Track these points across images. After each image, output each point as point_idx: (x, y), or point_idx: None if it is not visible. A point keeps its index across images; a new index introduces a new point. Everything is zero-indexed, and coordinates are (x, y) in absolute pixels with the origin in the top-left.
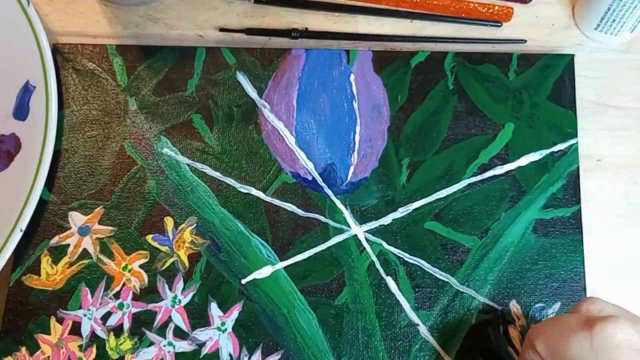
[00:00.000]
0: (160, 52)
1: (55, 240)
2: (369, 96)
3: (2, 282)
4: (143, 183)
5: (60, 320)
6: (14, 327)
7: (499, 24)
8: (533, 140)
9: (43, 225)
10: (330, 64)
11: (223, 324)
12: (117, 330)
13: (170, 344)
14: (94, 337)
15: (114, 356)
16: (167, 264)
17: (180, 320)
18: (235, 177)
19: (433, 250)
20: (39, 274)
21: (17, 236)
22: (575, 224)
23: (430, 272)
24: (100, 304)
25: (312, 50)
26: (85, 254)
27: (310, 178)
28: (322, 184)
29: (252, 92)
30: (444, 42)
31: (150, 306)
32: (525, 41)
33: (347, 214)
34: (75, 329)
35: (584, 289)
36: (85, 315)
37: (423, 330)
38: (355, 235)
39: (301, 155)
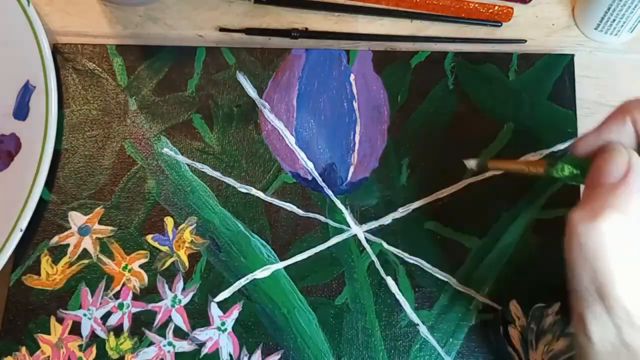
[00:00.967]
0: (160, 52)
1: (55, 240)
2: (369, 96)
3: (2, 282)
4: (143, 183)
5: (60, 320)
6: (14, 327)
7: (499, 24)
8: (533, 140)
9: (43, 225)
10: (330, 64)
11: (223, 323)
12: (117, 330)
13: (170, 343)
14: (94, 337)
15: (114, 356)
16: (167, 263)
17: (180, 320)
18: (235, 177)
19: (433, 250)
20: (39, 273)
21: (17, 236)
22: None
23: (430, 272)
24: (100, 303)
25: (312, 50)
26: (85, 253)
27: (310, 178)
28: (322, 184)
29: (252, 92)
30: (444, 42)
31: (150, 306)
32: (525, 41)
33: (347, 213)
34: (75, 329)
35: None
36: (85, 315)
37: (423, 330)
38: (355, 235)
39: (301, 155)
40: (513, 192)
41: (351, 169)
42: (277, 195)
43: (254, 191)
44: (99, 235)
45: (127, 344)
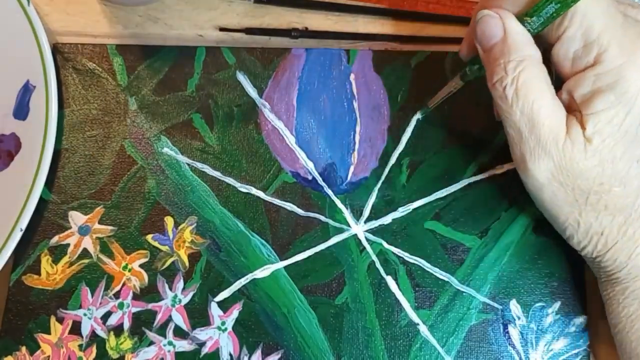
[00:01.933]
0: (160, 52)
1: (55, 239)
2: (369, 96)
3: (2, 282)
4: (143, 183)
5: (61, 320)
6: (14, 327)
7: None
8: None
9: (43, 225)
10: (330, 64)
11: (223, 323)
12: (117, 330)
13: (170, 343)
14: (94, 336)
15: (114, 356)
16: (167, 263)
17: (180, 319)
18: (236, 176)
19: (433, 250)
20: (39, 273)
21: (17, 236)
22: None
23: (431, 271)
24: (100, 303)
25: (312, 50)
26: (85, 253)
27: (310, 178)
28: (322, 184)
29: (252, 92)
30: (444, 42)
31: (151, 306)
32: None
33: (347, 213)
34: (76, 329)
35: (584, 288)
36: (85, 314)
37: (423, 329)
38: (356, 235)
39: (301, 154)
40: (513, 192)
41: (351, 169)
42: (277, 195)
43: (254, 191)
44: (99, 235)
45: (127, 344)
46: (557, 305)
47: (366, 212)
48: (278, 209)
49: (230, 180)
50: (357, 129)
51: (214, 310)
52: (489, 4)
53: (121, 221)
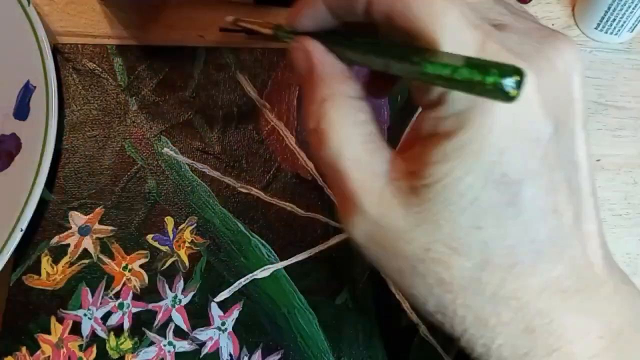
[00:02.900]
0: (161, 52)
1: (55, 240)
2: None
3: (2, 282)
4: (143, 183)
5: (61, 320)
6: (14, 327)
7: None
8: None
9: (43, 225)
10: None
11: (223, 323)
12: (118, 330)
13: (170, 343)
14: (94, 336)
15: (114, 356)
16: (168, 263)
17: (180, 320)
18: (236, 177)
19: None
20: (39, 273)
21: (18, 236)
22: None
23: None
24: (100, 303)
25: None
26: (85, 253)
27: (310, 178)
28: (322, 184)
29: (252, 92)
30: None
31: (151, 306)
32: None
33: None
34: (76, 329)
35: None
36: (85, 315)
37: (423, 330)
38: None
39: (301, 155)
40: None
41: None
42: (277, 195)
43: (254, 191)
44: (99, 235)
45: (127, 344)
46: None
47: None
48: (278, 210)
49: (230, 181)
50: None
51: (214, 310)
52: (297, 20)
53: (121, 221)
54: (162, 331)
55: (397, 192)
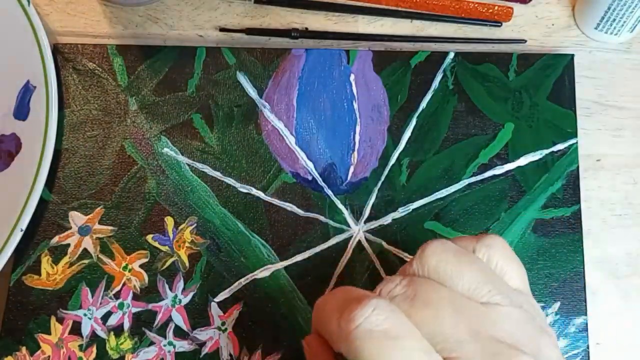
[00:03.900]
0: (161, 52)
1: (55, 240)
2: (369, 96)
3: (2, 282)
4: (143, 183)
5: (61, 320)
6: (14, 327)
7: (499, 24)
8: (533, 140)
9: (43, 225)
10: (330, 64)
11: (223, 323)
12: (118, 330)
13: (170, 343)
14: (94, 336)
15: (114, 356)
16: (168, 263)
17: (180, 320)
18: (236, 177)
19: None
20: (39, 273)
21: (18, 236)
22: (575, 224)
23: None
24: (100, 303)
25: (312, 50)
26: (85, 253)
27: (310, 178)
28: (322, 184)
29: (252, 92)
30: (444, 42)
31: (151, 306)
32: (525, 41)
33: (347, 213)
34: (76, 329)
35: (584, 288)
36: (85, 315)
37: None
38: (355, 235)
39: (301, 155)
40: (513, 193)
41: (351, 169)
42: (277, 196)
43: (254, 191)
44: (100, 235)
45: (127, 344)
46: (556, 305)
47: (366, 213)
48: (278, 210)
49: (230, 181)
50: (357, 129)
51: (214, 310)
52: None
53: (121, 221)
54: (162, 331)
55: None
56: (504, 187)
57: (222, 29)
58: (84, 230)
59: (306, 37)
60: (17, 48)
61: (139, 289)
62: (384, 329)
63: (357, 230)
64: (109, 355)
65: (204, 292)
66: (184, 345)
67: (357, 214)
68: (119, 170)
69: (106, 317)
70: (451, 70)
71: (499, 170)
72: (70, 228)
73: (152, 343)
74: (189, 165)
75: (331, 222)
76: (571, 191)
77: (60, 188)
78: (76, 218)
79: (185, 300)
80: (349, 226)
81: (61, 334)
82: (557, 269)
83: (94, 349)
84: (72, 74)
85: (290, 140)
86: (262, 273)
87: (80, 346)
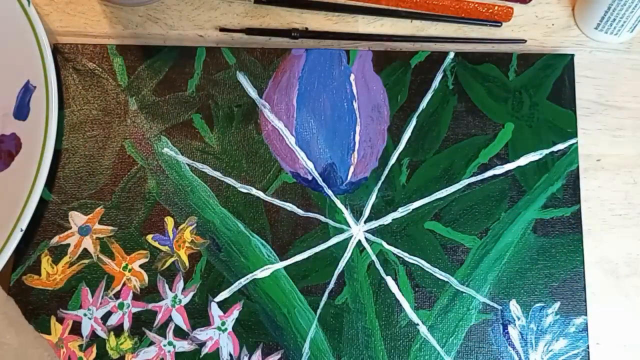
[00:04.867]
0: (161, 52)
1: (55, 240)
2: (369, 96)
3: (2, 282)
4: (143, 183)
5: (61, 320)
6: None
7: (499, 24)
8: (533, 140)
9: (43, 225)
10: (330, 64)
11: (223, 323)
12: (118, 330)
13: (170, 343)
14: (94, 336)
15: (114, 356)
16: (168, 263)
17: (180, 319)
18: (236, 177)
19: (433, 250)
20: (39, 273)
21: (18, 236)
22: (575, 223)
23: (430, 271)
24: (100, 303)
25: (312, 50)
26: (85, 253)
27: (310, 178)
28: (322, 184)
29: (252, 92)
30: (443, 42)
31: (151, 306)
32: (525, 41)
33: (347, 213)
34: (76, 329)
35: (584, 288)
36: (85, 315)
37: (423, 330)
38: (355, 235)
39: (301, 155)
40: (513, 193)
41: (351, 169)
42: (277, 195)
43: (254, 191)
44: (100, 235)
45: (127, 344)
46: (556, 305)
47: (366, 213)
48: (278, 209)
49: (230, 181)
50: (357, 129)
51: (214, 310)
52: None
53: (121, 221)
54: (162, 331)
55: None
56: (504, 187)
57: (222, 29)
58: (84, 230)
59: (306, 37)
60: (17, 48)
61: (139, 289)
62: None
63: (357, 230)
64: (109, 355)
65: (204, 292)
66: (184, 345)
67: (357, 214)
68: (119, 170)
69: (106, 317)
70: (451, 70)
71: (499, 170)
72: (70, 228)
73: (152, 343)
74: (189, 165)
75: (331, 222)
76: (571, 191)
77: (60, 188)
78: (76, 218)
79: (185, 300)
80: (349, 226)
81: (61, 334)
82: (557, 269)
83: (94, 349)
84: (72, 74)
85: (290, 140)
86: (262, 273)
87: (80, 346)
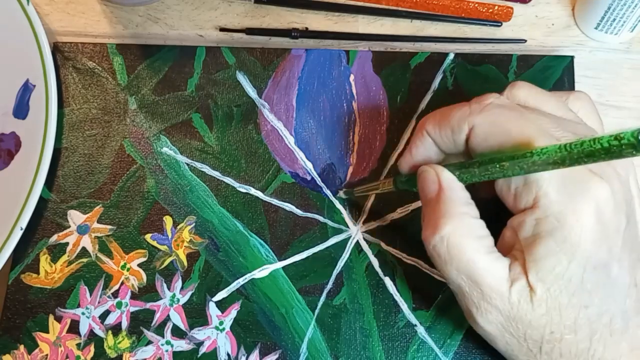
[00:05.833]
0: (161, 52)
1: (54, 238)
2: (369, 96)
3: (0, 280)
4: (142, 182)
5: (59, 319)
6: (12, 326)
7: (499, 24)
8: None
9: (42, 224)
10: (330, 64)
11: (221, 323)
12: (116, 329)
13: (168, 342)
14: (92, 335)
15: (112, 355)
16: (166, 263)
17: (178, 319)
18: (235, 176)
19: None
20: (37, 272)
21: (17, 235)
22: None
23: (429, 272)
24: (98, 302)
25: (311, 50)
26: (84, 252)
27: (309, 178)
28: (321, 184)
29: (252, 92)
30: (444, 42)
31: (149, 305)
32: (525, 41)
33: (345, 214)
34: (74, 328)
35: None
36: (83, 313)
37: (421, 330)
38: (354, 236)
39: (300, 155)
40: None
41: (350, 170)
42: (276, 195)
43: (253, 191)
44: (98, 234)
45: (125, 343)
46: None
47: (365, 213)
48: (277, 209)
49: (229, 180)
50: (357, 129)
51: (212, 310)
52: (415, 151)
53: (120, 220)
54: (160, 330)
55: (521, 291)
56: None
57: (222, 29)
58: (82, 229)
59: (306, 37)
60: (16, 46)
61: (137, 288)
62: (510, 102)
63: (356, 231)
64: (107, 354)
65: (202, 291)
66: (181, 345)
67: (355, 215)
68: (118, 169)
69: (104, 316)
70: (451, 71)
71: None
72: (69, 227)
73: (149, 342)
74: (188, 164)
75: (330, 222)
76: None
77: (59, 187)
78: (75, 217)
79: (184, 299)
80: (347, 226)
81: (59, 333)
82: None
83: (92, 348)
84: (71, 72)
85: (290, 140)
86: (260, 273)
87: (78, 345)
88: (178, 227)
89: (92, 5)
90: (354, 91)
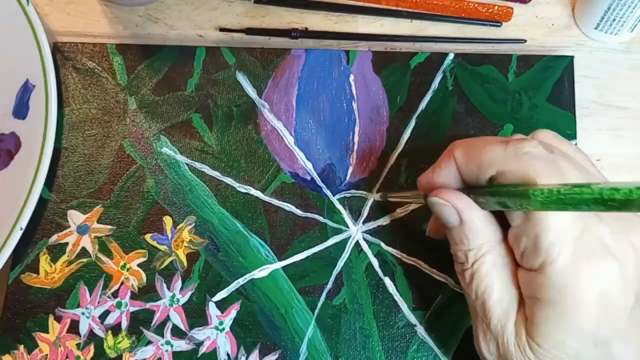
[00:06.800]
0: (160, 52)
1: (54, 238)
2: (368, 97)
3: (0, 281)
4: (142, 182)
5: (59, 319)
6: (12, 326)
7: (499, 24)
8: None
9: (42, 224)
10: (330, 64)
11: (221, 323)
12: (115, 329)
13: (168, 343)
14: (92, 335)
15: (111, 355)
16: (166, 263)
17: (178, 319)
18: (234, 176)
19: (431, 251)
20: (37, 272)
21: (17, 235)
22: None
23: (428, 272)
24: (98, 302)
25: (311, 51)
26: (83, 252)
27: (309, 178)
28: (321, 184)
29: (252, 92)
30: (443, 42)
31: (149, 305)
32: (525, 41)
33: (345, 214)
34: (74, 328)
35: None
36: (83, 313)
37: (421, 330)
38: (354, 236)
39: (300, 155)
40: None
41: (350, 170)
42: (276, 195)
43: (253, 191)
44: (98, 234)
45: (125, 343)
46: None
47: (364, 213)
48: (277, 209)
49: (229, 180)
50: (356, 129)
51: (212, 310)
52: (438, 172)
53: (120, 220)
54: (159, 330)
55: (519, 339)
56: None
57: (222, 29)
58: (82, 229)
59: (306, 37)
60: (16, 47)
61: (137, 288)
62: (547, 154)
63: (356, 231)
64: (107, 354)
65: (202, 291)
66: (181, 345)
67: (355, 215)
68: (118, 169)
69: (104, 316)
70: (451, 72)
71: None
72: (69, 227)
73: (149, 342)
74: (187, 164)
75: (329, 223)
76: None
77: (59, 187)
78: (75, 217)
79: (183, 299)
80: (347, 227)
81: (59, 333)
82: None
83: (92, 348)
84: (71, 72)
85: (289, 140)
86: (260, 273)
87: (78, 345)
88: (178, 227)
89: (92, 5)
90: (354, 91)
